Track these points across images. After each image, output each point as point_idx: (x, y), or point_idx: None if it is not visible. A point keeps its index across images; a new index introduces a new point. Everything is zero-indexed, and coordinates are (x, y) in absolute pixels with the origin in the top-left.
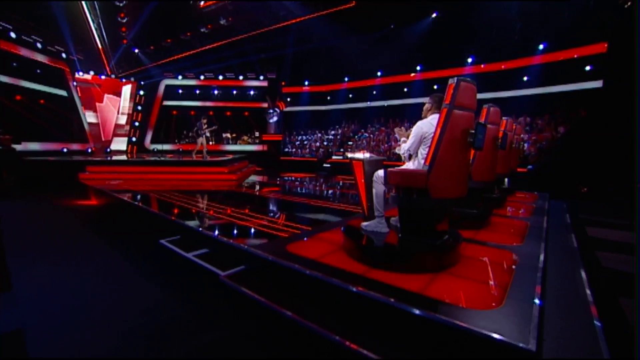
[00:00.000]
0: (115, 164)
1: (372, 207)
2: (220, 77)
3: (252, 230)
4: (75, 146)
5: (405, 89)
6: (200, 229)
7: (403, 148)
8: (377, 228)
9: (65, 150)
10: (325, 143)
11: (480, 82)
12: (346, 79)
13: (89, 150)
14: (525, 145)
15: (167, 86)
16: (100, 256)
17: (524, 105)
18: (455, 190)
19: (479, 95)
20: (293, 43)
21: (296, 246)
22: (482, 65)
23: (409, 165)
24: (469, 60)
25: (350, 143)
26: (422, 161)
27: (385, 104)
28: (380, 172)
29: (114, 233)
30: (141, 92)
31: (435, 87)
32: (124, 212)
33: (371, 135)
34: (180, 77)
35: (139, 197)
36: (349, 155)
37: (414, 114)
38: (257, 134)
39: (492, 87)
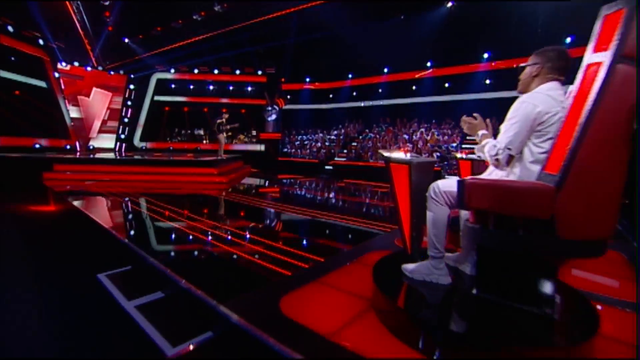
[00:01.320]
0: (88, 162)
1: (418, 237)
2: (216, 71)
3: (235, 258)
4: (50, 142)
5: (414, 87)
6: (155, 260)
7: (489, 145)
8: (432, 276)
9: (38, 146)
10: (327, 143)
11: (497, 80)
12: (350, 76)
13: (68, 147)
14: None
15: (158, 80)
16: (8, 297)
17: None
18: (604, 224)
19: (496, 94)
20: (294, 34)
21: (296, 301)
22: (494, 63)
23: (500, 174)
24: (485, 55)
25: (354, 144)
26: (535, 167)
27: (391, 103)
28: (444, 184)
29: (52, 257)
30: (131, 86)
31: (446, 84)
32: (75, 225)
33: (377, 136)
34: (172, 70)
35: (100, 204)
36: (385, 154)
37: (423, 114)
38: (254, 132)
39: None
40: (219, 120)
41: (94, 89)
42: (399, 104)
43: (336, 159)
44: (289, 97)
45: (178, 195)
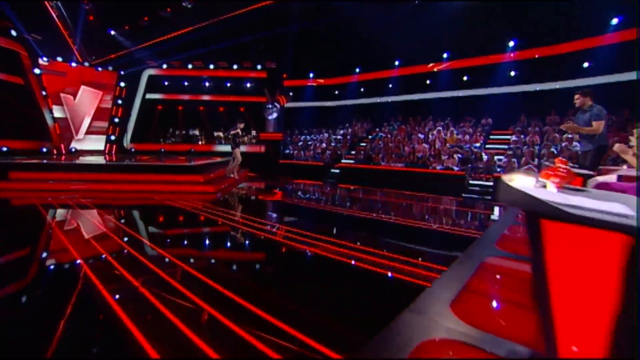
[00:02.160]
0: (49, 169)
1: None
2: (212, 66)
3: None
4: (24, 144)
5: (429, 81)
6: None
7: None
8: None
9: (5, 149)
10: (332, 144)
11: (524, 71)
12: (357, 70)
13: (44, 150)
14: None
15: (150, 77)
16: None
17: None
18: None
19: (523, 87)
20: (296, 22)
21: None
22: (517, 52)
23: None
24: (511, 43)
25: (363, 144)
26: None
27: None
28: None
29: None
30: (122, 84)
31: (465, 77)
32: None
33: (388, 136)
34: (165, 65)
35: (37, 228)
36: (526, 189)
37: (439, 111)
38: (253, 132)
39: (546, 77)
40: (233, 132)
41: (82, 87)
42: (411, 100)
43: (343, 161)
44: (291, 94)
45: (151, 208)
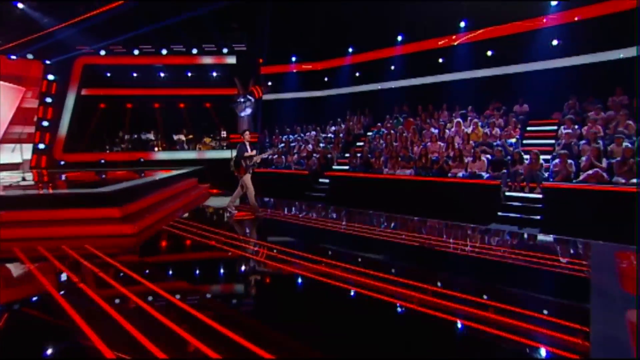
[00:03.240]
0: None
1: None
2: (164, 52)
3: None
4: None
5: (441, 59)
6: None
7: None
8: None
9: None
10: (321, 145)
11: (571, 39)
12: (350, 51)
13: None
14: None
15: (86, 67)
16: None
17: None
18: None
19: (569, 61)
20: None
21: None
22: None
23: None
24: (554, 2)
25: (360, 144)
26: None
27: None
28: None
29: None
30: (50, 77)
31: (489, 52)
32: None
33: (392, 132)
34: (102, 52)
35: None
36: None
37: (457, 97)
38: (223, 133)
39: (601, 44)
40: (247, 154)
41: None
42: (421, 85)
43: (335, 167)
44: (269, 83)
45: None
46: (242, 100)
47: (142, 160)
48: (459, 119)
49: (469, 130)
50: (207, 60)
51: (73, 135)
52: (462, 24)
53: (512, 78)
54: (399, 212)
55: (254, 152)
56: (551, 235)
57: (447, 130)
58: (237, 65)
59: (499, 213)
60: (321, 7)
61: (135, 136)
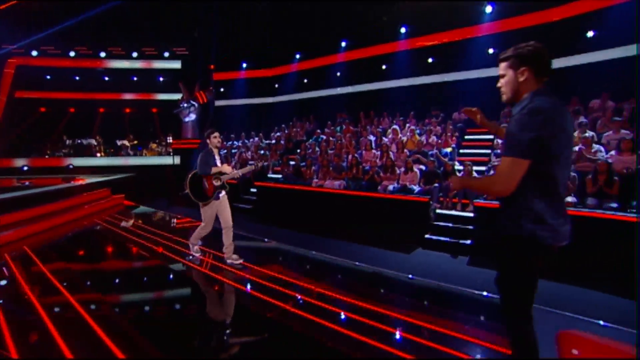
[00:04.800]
0: None
1: None
2: (103, 54)
3: None
4: None
5: (384, 66)
6: None
7: None
8: None
9: None
10: (262, 152)
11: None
12: (298, 57)
13: None
14: None
15: (20, 68)
16: None
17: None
18: None
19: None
20: None
21: None
22: (497, 21)
23: None
24: (488, 9)
25: (298, 151)
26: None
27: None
28: None
29: None
30: None
31: (430, 60)
32: None
33: (331, 138)
34: (34, 52)
35: None
36: None
37: (398, 103)
38: (169, 139)
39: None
40: (216, 168)
41: None
42: (363, 92)
43: (271, 176)
44: (222, 89)
45: None
46: (185, 105)
47: (71, 166)
48: (395, 126)
49: (405, 137)
50: (153, 64)
51: (5, 140)
52: (403, 30)
53: (451, 85)
54: (322, 230)
55: (230, 166)
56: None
57: (384, 138)
58: (182, 70)
59: (427, 236)
60: (269, 12)
61: (78, 142)
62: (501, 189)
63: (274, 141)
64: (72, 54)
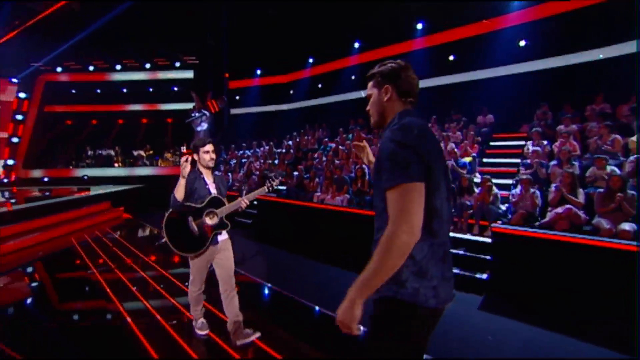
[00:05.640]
0: None
1: None
2: (118, 67)
3: None
4: None
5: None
6: None
7: None
8: None
9: None
10: (270, 161)
11: (547, 37)
12: (310, 61)
13: None
14: None
15: (48, 84)
16: None
17: None
18: None
19: (543, 64)
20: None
21: None
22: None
23: None
24: None
25: (303, 162)
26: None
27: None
28: None
29: None
30: (22, 95)
31: (450, 57)
32: None
33: (340, 147)
34: (59, 68)
35: None
36: None
37: (418, 107)
38: (183, 149)
39: (578, 44)
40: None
41: None
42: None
43: (278, 187)
44: (224, 97)
45: None
46: (197, 114)
47: (85, 177)
48: None
49: None
50: (165, 74)
51: (33, 152)
52: (419, 26)
53: (475, 85)
54: (319, 253)
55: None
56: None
57: None
58: (195, 79)
59: None
60: (282, 17)
61: (98, 152)
62: (406, 238)
63: (284, 150)
64: (91, 68)
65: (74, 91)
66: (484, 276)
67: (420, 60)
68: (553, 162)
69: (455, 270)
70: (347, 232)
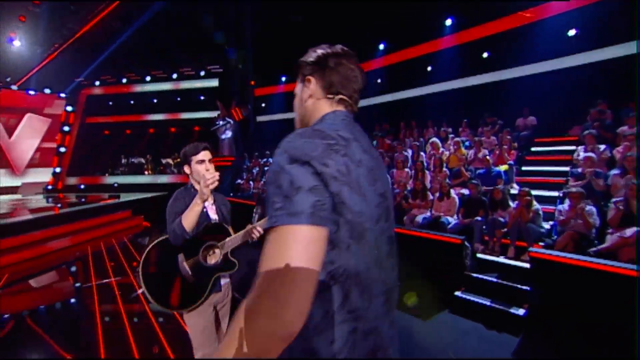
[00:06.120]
0: None
1: None
2: (148, 78)
3: None
4: None
5: (430, 68)
6: None
7: None
8: None
9: None
10: None
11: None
12: None
13: None
14: None
15: (89, 97)
16: None
17: None
18: None
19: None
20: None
21: None
22: None
23: None
24: None
25: None
26: None
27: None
28: None
29: None
30: (68, 108)
31: (485, 55)
32: None
33: None
34: (97, 82)
35: None
36: None
37: (442, 110)
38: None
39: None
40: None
41: (29, 114)
42: (405, 99)
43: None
44: (248, 105)
45: None
46: (221, 123)
47: (115, 184)
48: (434, 139)
49: (449, 151)
50: (192, 84)
51: (76, 160)
52: (449, 22)
53: (513, 84)
54: None
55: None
56: None
57: (422, 154)
58: (219, 87)
59: (459, 293)
60: (305, 23)
61: (131, 160)
62: (270, 326)
63: None
64: (124, 80)
65: (110, 103)
66: (521, 312)
67: (450, 60)
68: (614, 171)
69: (485, 301)
70: None
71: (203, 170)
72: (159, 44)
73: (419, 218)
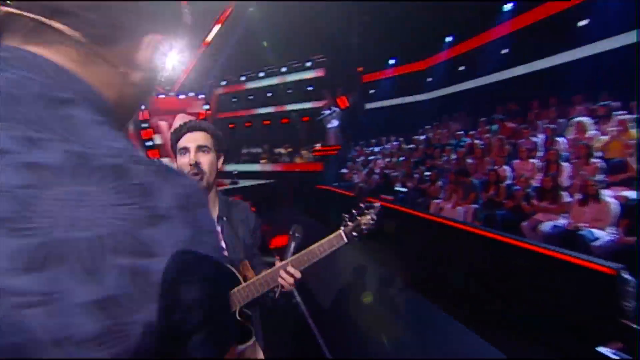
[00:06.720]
0: None
1: None
2: (262, 74)
3: None
4: None
5: (582, 22)
6: None
7: None
8: None
9: None
10: (398, 159)
11: None
12: (448, 40)
13: None
14: None
15: (219, 96)
16: None
17: None
18: None
19: None
20: None
21: None
22: None
23: None
24: None
25: (426, 161)
26: None
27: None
28: None
29: None
30: (205, 107)
31: None
32: None
33: (476, 142)
34: (224, 82)
35: None
36: None
37: (602, 81)
38: (318, 146)
39: None
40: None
41: (180, 115)
42: (539, 71)
43: (398, 188)
44: (371, 91)
45: None
46: (327, 112)
47: (235, 172)
48: (582, 119)
49: (603, 138)
50: (299, 76)
51: None
52: None
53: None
54: (429, 290)
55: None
56: None
57: (560, 139)
58: (326, 76)
59: (604, 350)
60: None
61: (251, 150)
62: None
63: (413, 145)
64: (242, 77)
65: (234, 99)
66: None
67: (609, 11)
68: None
69: None
70: (466, 261)
71: (186, 165)
72: (268, 39)
73: (546, 226)
